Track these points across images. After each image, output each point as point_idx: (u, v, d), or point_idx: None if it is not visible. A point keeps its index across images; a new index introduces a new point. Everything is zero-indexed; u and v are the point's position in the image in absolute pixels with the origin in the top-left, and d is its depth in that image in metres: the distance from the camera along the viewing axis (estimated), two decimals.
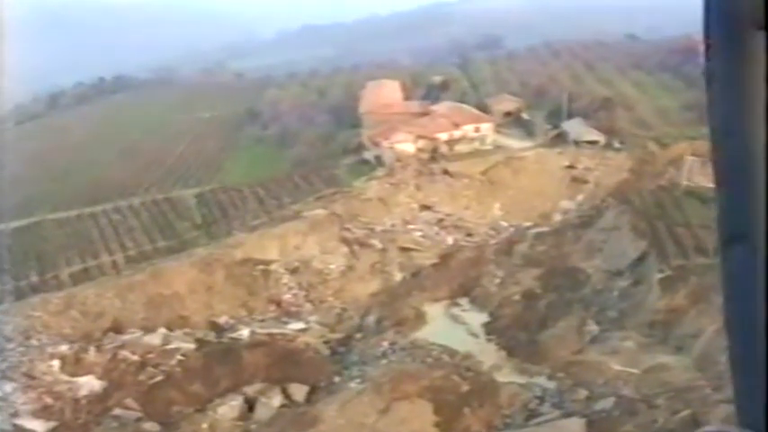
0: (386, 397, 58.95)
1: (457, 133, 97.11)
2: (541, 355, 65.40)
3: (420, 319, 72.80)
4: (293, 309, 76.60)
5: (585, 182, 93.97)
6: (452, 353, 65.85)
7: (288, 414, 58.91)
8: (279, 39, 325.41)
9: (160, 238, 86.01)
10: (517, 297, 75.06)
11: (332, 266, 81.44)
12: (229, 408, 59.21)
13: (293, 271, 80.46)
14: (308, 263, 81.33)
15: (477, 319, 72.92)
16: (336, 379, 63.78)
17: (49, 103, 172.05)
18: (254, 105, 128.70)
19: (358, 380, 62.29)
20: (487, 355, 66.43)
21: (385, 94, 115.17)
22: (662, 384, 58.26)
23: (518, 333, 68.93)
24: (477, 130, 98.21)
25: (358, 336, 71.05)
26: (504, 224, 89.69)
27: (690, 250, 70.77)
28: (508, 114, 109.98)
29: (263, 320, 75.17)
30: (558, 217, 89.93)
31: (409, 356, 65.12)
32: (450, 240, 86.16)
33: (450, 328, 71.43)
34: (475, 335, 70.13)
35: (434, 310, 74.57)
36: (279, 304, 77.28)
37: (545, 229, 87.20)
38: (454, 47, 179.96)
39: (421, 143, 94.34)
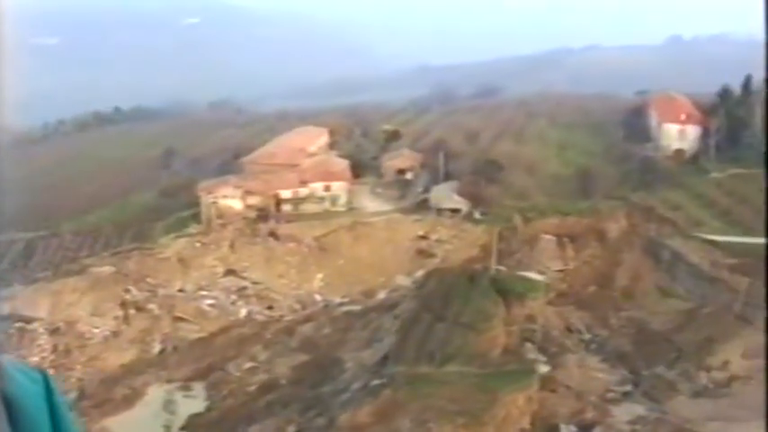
0: None
1: (303, 191, 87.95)
2: None
3: (128, 402, 64.53)
4: None
5: (432, 256, 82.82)
6: None
7: None
8: (393, 76, 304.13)
9: None
10: (253, 388, 65.54)
11: (96, 330, 74.55)
12: None
13: (53, 332, 74.18)
14: (73, 324, 74.84)
15: (192, 408, 63.88)
16: None
17: (51, 131, 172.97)
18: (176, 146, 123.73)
19: None
20: None
21: (284, 143, 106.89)
22: None
23: None
24: (327, 188, 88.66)
25: None
26: (318, 298, 79.92)
27: (421, 356, 59.07)
28: (401, 172, 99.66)
29: None
30: (382, 295, 79.28)
31: None
32: (243, 312, 77.30)
33: (152, 417, 62.70)
34: (168, 428, 61.21)
35: (156, 393, 66.00)
36: None
37: (356, 307, 76.95)
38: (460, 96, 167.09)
39: (251, 200, 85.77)
